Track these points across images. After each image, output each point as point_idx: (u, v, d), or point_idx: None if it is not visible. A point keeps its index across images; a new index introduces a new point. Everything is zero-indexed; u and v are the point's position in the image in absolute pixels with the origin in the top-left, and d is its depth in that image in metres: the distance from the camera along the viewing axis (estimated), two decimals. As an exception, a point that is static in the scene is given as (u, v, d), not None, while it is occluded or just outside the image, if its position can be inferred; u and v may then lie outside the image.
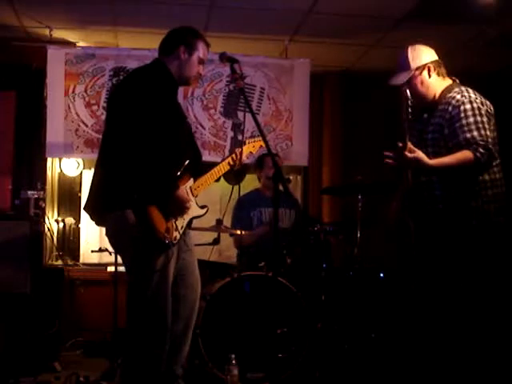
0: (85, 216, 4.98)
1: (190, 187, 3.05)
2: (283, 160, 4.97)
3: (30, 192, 5.09)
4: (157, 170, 2.75)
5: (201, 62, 3.07)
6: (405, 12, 4.52)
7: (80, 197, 5.51)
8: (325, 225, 4.24)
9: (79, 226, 5.50)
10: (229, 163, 3.23)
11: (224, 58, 2.96)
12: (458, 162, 2.90)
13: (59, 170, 5.53)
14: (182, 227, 2.96)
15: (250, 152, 3.42)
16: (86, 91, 5.04)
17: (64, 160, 5.44)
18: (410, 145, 2.87)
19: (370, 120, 5.83)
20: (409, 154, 2.85)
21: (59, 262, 5.32)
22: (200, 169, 3.17)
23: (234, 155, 3.25)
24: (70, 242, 5.51)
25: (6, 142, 5.19)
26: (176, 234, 2.91)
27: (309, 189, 5.98)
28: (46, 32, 4.93)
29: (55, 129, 4.98)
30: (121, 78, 4.93)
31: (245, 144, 3.36)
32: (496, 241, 2.99)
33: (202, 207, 3.12)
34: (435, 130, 3.07)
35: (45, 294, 4.52)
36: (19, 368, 4.07)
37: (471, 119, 2.93)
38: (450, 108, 3.02)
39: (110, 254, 4.39)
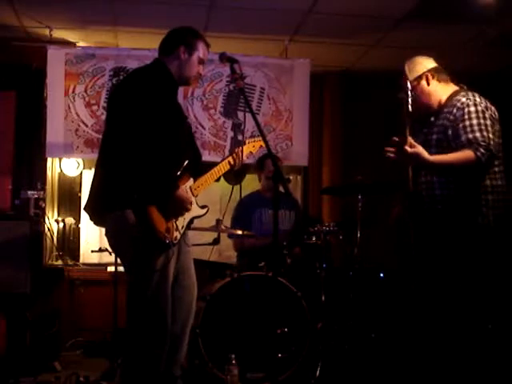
0: (85, 216, 4.97)
1: (190, 187, 3.04)
2: (283, 160, 4.97)
3: (29, 192, 5.09)
4: (157, 170, 2.75)
5: (201, 62, 3.07)
6: (405, 12, 4.52)
7: (80, 197, 5.51)
8: (325, 225, 4.23)
9: (79, 226, 5.50)
10: (229, 163, 3.22)
11: (224, 58, 2.96)
12: (459, 161, 2.90)
13: (59, 170, 5.54)
14: (182, 227, 2.96)
15: (250, 152, 3.41)
16: (86, 91, 5.04)
17: (64, 160, 5.44)
18: (410, 139, 2.88)
19: (370, 120, 5.83)
20: (409, 149, 2.85)
21: (59, 262, 5.32)
22: (200, 169, 3.17)
23: (234, 155, 3.24)
24: (70, 241, 5.51)
25: (6, 142, 5.19)
26: (176, 234, 2.91)
27: (309, 189, 5.98)
28: (46, 32, 4.93)
29: (55, 129, 4.98)
30: (121, 78, 4.93)
31: (245, 144, 3.36)
32: (491, 245, 2.98)
33: (203, 207, 3.12)
34: (439, 131, 3.09)
35: (45, 293, 4.53)
36: (19, 368, 4.08)
37: (474, 121, 2.95)
38: (455, 110, 3.03)
39: (110, 254, 4.36)
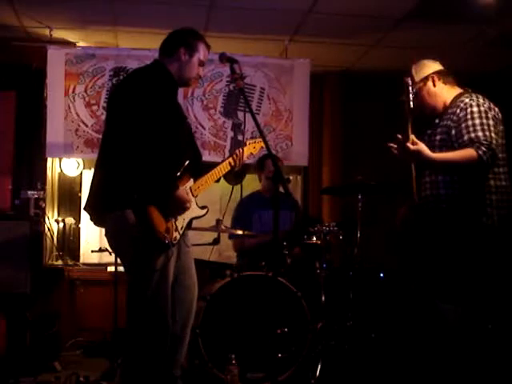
0: (85, 216, 4.98)
1: (190, 187, 3.05)
2: (283, 160, 4.97)
3: (29, 192, 5.10)
4: (157, 170, 2.75)
5: (201, 63, 3.08)
6: (405, 12, 4.52)
7: (80, 197, 5.51)
8: (325, 225, 4.23)
9: (79, 226, 5.49)
10: (229, 164, 3.22)
11: (224, 58, 2.96)
12: (461, 158, 2.91)
13: (59, 170, 5.53)
14: (181, 227, 2.96)
15: (251, 153, 3.41)
16: (86, 91, 5.04)
17: (64, 160, 5.44)
18: (412, 137, 2.90)
19: (370, 120, 5.83)
20: (411, 146, 2.86)
21: (59, 262, 5.32)
22: (200, 169, 3.17)
23: (234, 156, 3.24)
24: (70, 242, 5.51)
25: (6, 141, 5.19)
26: (176, 235, 2.91)
27: (309, 189, 5.98)
28: (46, 32, 4.93)
29: (55, 129, 4.98)
30: (121, 78, 4.93)
31: (245, 145, 3.36)
32: (495, 245, 2.99)
33: (202, 207, 3.12)
34: (443, 132, 3.10)
35: (45, 293, 4.53)
36: (19, 368, 4.08)
37: (477, 121, 2.96)
38: (458, 110, 3.05)
39: (110, 254, 4.37)
